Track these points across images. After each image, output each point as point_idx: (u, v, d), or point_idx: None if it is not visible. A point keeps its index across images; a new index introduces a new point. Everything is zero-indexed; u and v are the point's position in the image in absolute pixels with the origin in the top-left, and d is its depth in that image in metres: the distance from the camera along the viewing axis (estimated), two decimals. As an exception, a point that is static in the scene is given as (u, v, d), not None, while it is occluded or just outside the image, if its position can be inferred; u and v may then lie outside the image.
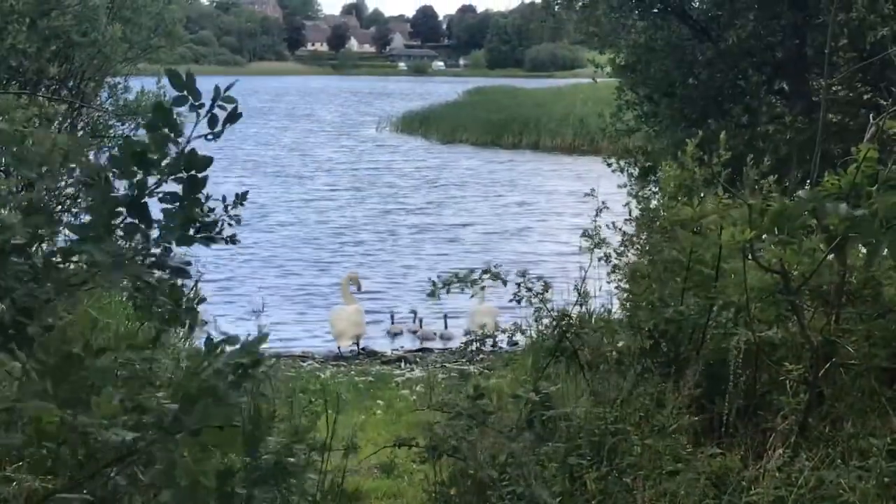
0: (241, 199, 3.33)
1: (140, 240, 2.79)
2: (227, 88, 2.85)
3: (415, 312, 15.66)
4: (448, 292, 6.45)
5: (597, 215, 7.84)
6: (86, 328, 3.26)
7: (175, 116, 2.83)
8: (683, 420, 5.26)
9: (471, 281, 6.32)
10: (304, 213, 27.22)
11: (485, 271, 6.32)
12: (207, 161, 2.82)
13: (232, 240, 3.15)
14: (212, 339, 3.08)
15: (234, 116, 2.85)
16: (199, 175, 2.81)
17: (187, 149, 2.80)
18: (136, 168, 2.73)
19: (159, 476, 2.62)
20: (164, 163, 2.76)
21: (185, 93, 2.80)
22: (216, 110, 2.83)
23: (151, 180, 2.80)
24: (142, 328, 6.94)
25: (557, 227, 24.32)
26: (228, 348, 2.90)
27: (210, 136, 2.83)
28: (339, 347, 14.24)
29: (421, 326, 15.20)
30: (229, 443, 2.74)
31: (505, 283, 6.42)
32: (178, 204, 2.81)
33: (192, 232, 2.88)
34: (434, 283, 6.43)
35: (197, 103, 2.79)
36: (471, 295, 6.79)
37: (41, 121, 10.41)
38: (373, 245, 22.70)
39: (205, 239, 2.94)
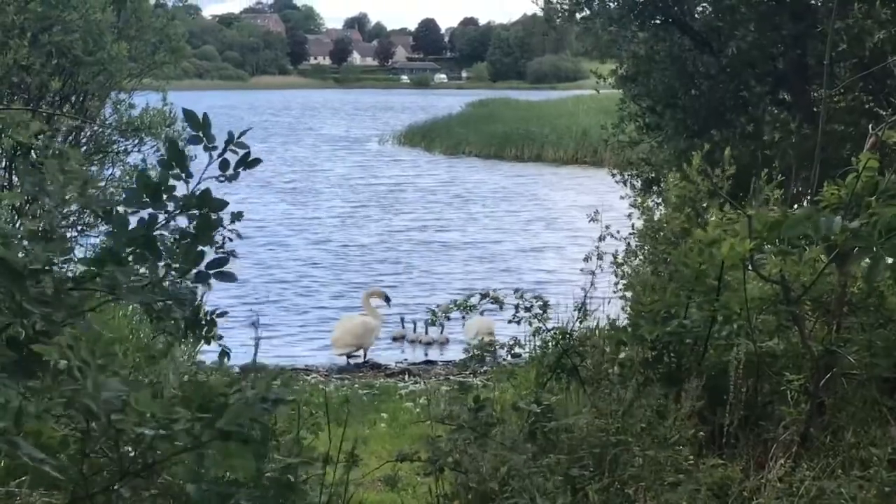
0: (236, 217, 3.39)
1: (150, 268, 2.87)
2: (241, 134, 2.93)
3: (414, 322, 15.88)
4: (448, 319, 6.53)
5: (600, 239, 7.95)
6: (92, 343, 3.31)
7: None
8: (685, 431, 5.26)
9: (470, 307, 6.37)
10: (313, 229, 27.10)
11: (483, 295, 6.36)
12: (222, 203, 2.89)
13: (233, 254, 3.22)
14: (227, 353, 3.15)
15: (247, 162, 2.93)
16: (214, 216, 2.88)
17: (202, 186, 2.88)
18: (148, 202, 2.81)
19: (185, 474, 2.66)
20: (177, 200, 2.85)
21: (201, 133, 2.89)
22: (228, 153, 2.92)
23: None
24: (151, 342, 6.98)
25: (570, 239, 24.16)
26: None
27: (223, 179, 2.91)
28: (346, 357, 14.38)
29: (427, 332, 15.45)
30: (245, 459, 2.77)
31: (502, 306, 6.45)
32: (188, 240, 2.88)
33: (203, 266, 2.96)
34: (434, 312, 6.49)
35: (211, 145, 2.88)
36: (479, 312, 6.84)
37: (44, 136, 10.45)
38: (385, 263, 22.45)
39: (219, 275, 3.01)
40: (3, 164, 12.04)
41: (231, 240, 3.31)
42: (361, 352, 14.65)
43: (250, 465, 2.70)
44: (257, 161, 2.96)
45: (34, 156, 10.05)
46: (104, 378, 2.59)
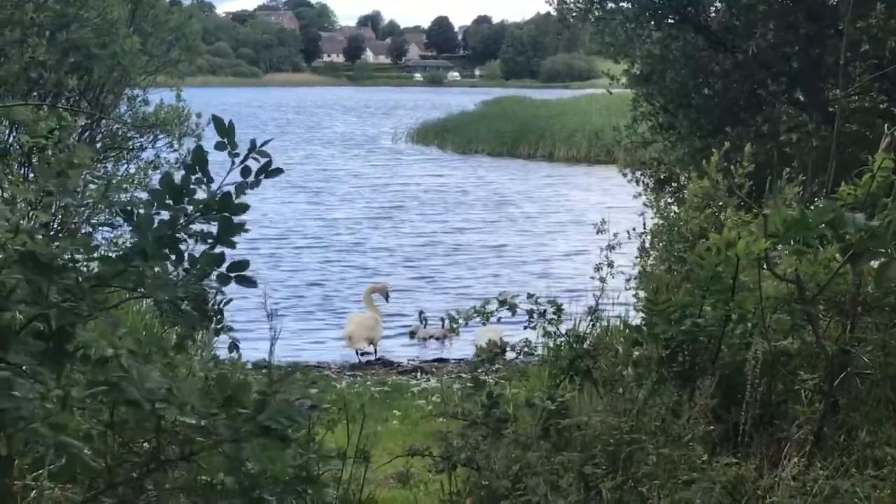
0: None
1: (172, 268, 2.91)
2: (264, 144, 2.97)
3: (426, 319, 15.95)
4: (467, 324, 6.56)
5: (610, 249, 7.98)
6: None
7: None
8: (699, 430, 5.26)
9: (488, 313, 6.40)
10: (328, 227, 26.91)
11: (501, 303, 6.38)
12: (243, 207, 2.94)
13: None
14: (237, 344, 3.20)
15: (269, 171, 2.97)
16: (235, 219, 2.93)
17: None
18: (171, 204, 2.86)
19: (224, 465, 2.70)
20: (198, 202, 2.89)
21: (225, 140, 2.94)
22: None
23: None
24: (164, 336, 7.01)
25: (592, 241, 23.76)
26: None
27: (245, 185, 2.96)
28: (356, 353, 14.45)
29: (443, 326, 15.57)
30: (281, 455, 2.81)
31: (514, 312, 6.46)
32: (210, 243, 2.92)
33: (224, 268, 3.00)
34: (454, 318, 6.51)
35: (235, 151, 2.92)
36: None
37: (60, 133, 10.50)
38: (401, 265, 22.16)
39: (240, 280, 3.05)
40: (20, 160, 12.10)
41: None
42: (373, 348, 14.70)
43: (285, 461, 2.75)
44: (279, 171, 3.01)
45: (49, 153, 10.10)
46: (146, 368, 2.64)
